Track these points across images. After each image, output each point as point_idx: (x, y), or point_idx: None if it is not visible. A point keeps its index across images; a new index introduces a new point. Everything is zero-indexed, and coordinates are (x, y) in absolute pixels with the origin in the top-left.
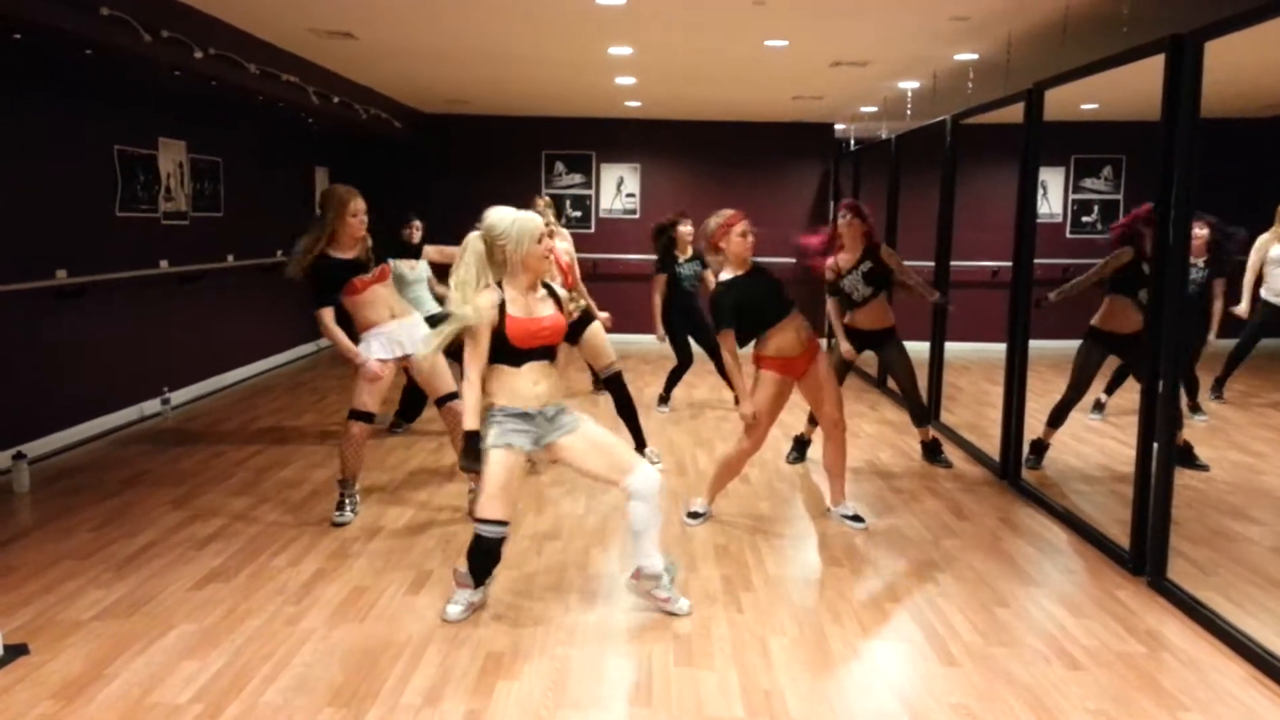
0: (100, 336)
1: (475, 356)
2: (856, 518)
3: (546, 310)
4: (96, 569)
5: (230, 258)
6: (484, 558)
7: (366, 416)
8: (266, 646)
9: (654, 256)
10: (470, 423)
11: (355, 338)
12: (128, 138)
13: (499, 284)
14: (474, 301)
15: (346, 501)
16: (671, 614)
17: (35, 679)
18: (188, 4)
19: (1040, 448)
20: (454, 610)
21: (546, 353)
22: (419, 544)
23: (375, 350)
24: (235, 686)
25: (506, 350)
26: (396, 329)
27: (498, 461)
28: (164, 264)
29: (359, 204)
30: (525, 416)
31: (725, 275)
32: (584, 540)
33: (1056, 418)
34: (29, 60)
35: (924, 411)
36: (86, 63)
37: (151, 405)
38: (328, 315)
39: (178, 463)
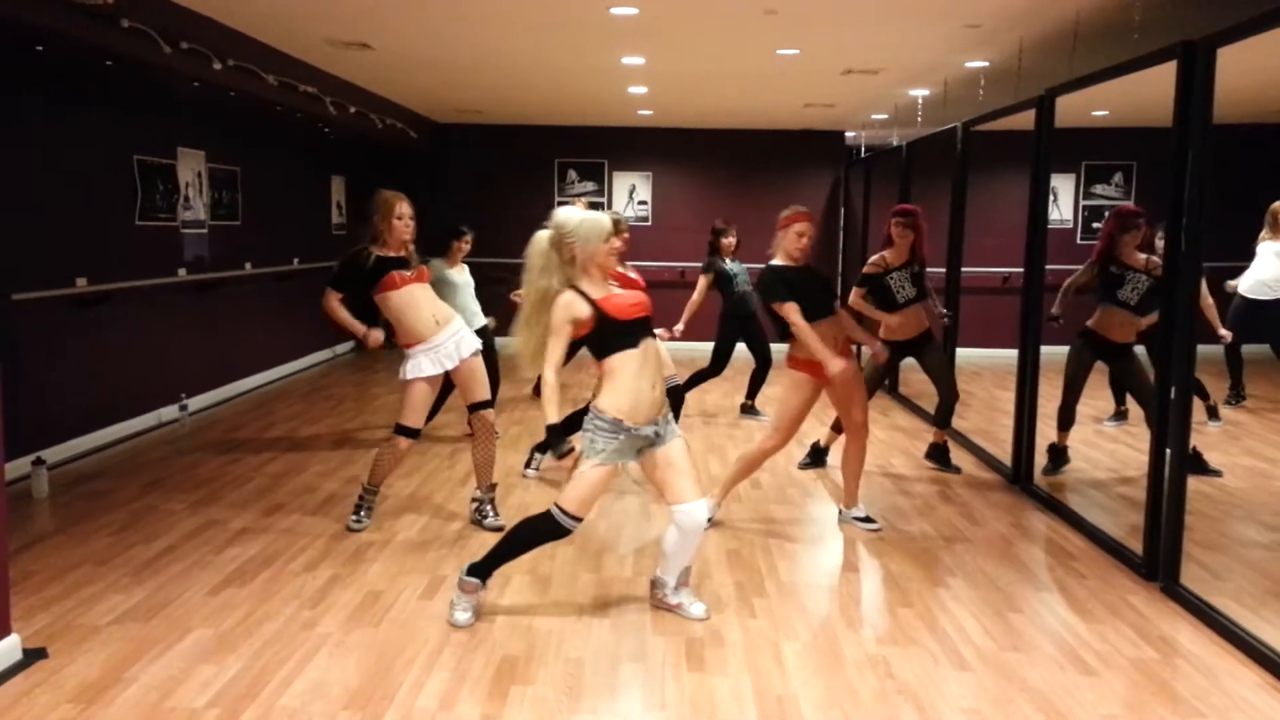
0: (119, 344)
1: (554, 358)
2: (868, 519)
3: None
4: (115, 574)
5: (248, 265)
6: (536, 544)
7: (413, 433)
8: (283, 651)
9: (667, 264)
10: (551, 416)
11: (393, 345)
12: (147, 148)
13: (571, 286)
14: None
15: (363, 508)
16: (685, 618)
17: (54, 683)
18: (208, 16)
19: (1057, 453)
20: (464, 616)
21: (649, 325)
22: (434, 549)
23: (425, 368)
24: (252, 690)
25: (616, 331)
26: (444, 340)
27: (604, 474)
28: (182, 272)
29: (405, 207)
30: (641, 436)
31: (776, 262)
32: (597, 545)
33: (1064, 420)
34: (50, 71)
35: (950, 416)
36: (107, 74)
37: (169, 411)
38: (334, 297)
39: (195, 468)
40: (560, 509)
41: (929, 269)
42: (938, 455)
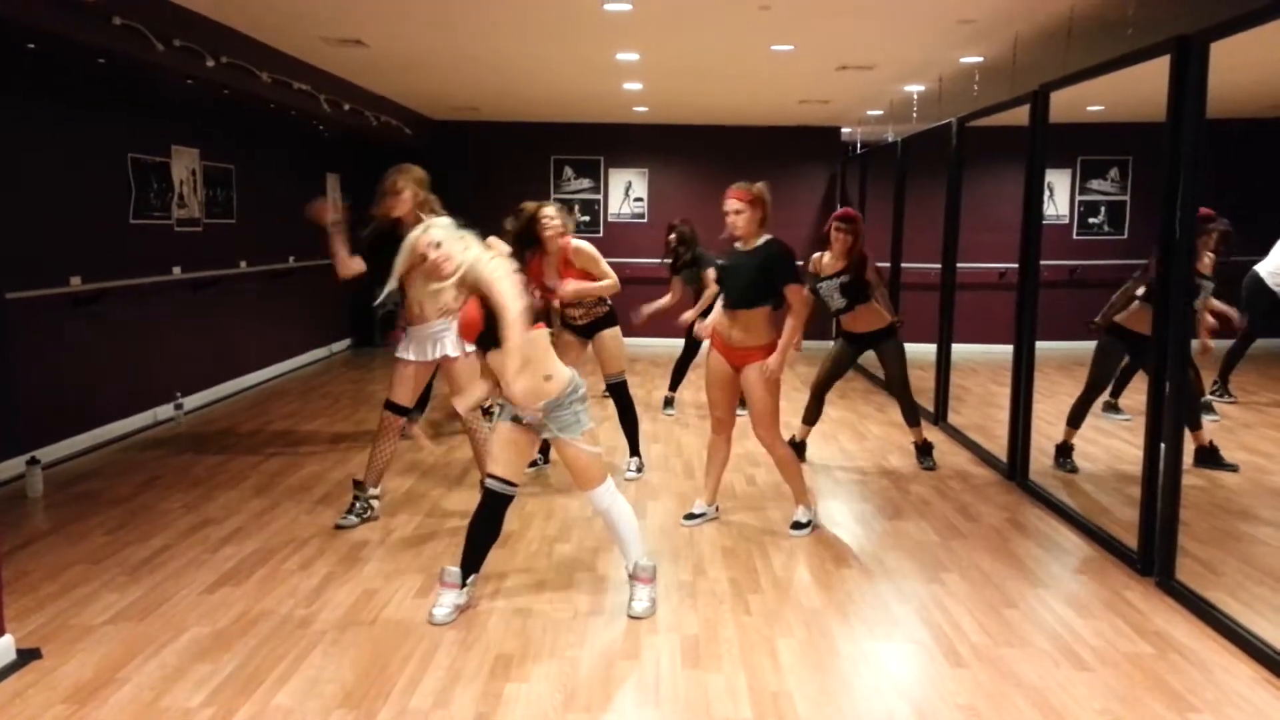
0: (114, 342)
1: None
2: (800, 525)
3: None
4: (110, 573)
5: (243, 264)
6: (493, 515)
7: (399, 410)
8: (278, 649)
9: (661, 260)
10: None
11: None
12: (141, 146)
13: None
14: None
15: (357, 504)
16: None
17: (48, 683)
18: (200, 13)
19: (1066, 449)
20: (441, 612)
21: (483, 340)
22: (429, 547)
23: (411, 352)
24: (247, 689)
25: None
26: (439, 330)
27: (502, 430)
28: (177, 270)
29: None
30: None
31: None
32: (592, 543)
33: (1075, 417)
34: (43, 69)
35: (914, 412)
36: (100, 72)
37: (165, 410)
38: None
39: (191, 467)
40: (488, 476)
41: (920, 266)
42: (922, 453)
